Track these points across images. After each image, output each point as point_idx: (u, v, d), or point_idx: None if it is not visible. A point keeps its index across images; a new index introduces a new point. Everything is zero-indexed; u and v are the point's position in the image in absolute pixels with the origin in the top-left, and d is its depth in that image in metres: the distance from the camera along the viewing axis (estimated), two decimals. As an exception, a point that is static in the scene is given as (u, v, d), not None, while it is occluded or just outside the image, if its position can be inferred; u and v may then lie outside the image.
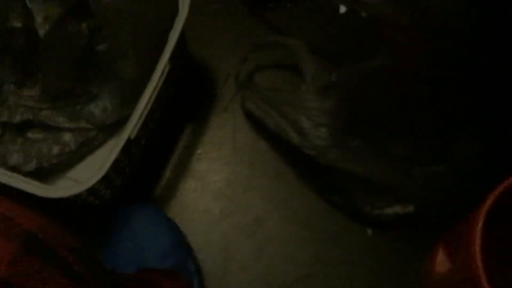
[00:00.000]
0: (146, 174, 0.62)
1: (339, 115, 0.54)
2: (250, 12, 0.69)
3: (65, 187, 0.51)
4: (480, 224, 0.43)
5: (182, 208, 0.60)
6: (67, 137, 0.60)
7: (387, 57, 0.48)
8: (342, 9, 0.57)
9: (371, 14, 0.44)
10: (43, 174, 0.59)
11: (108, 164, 0.51)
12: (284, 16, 0.68)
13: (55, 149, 0.59)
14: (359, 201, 0.57)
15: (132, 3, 0.54)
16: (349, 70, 0.53)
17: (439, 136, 0.55)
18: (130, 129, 0.52)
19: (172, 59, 0.55)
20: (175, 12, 0.56)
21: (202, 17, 0.67)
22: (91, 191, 0.51)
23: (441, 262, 0.52)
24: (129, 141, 0.52)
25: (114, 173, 0.53)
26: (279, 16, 0.68)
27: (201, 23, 0.66)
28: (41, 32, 0.53)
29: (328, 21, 0.62)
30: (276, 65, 0.66)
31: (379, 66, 0.49)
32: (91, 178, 0.50)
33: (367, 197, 0.57)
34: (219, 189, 0.61)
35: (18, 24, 0.55)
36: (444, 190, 0.56)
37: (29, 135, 0.60)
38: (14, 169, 0.57)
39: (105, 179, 0.51)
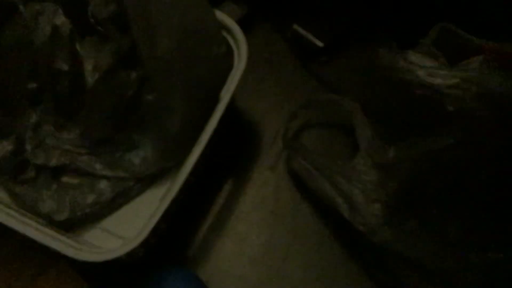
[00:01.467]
0: (181, 232, 0.59)
1: (397, 193, 0.51)
2: (301, 65, 0.67)
3: (106, 250, 0.49)
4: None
5: (216, 272, 0.58)
6: (103, 185, 0.58)
7: (456, 138, 0.45)
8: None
9: (453, 103, 0.42)
10: (74, 223, 0.57)
11: (150, 226, 0.49)
12: (337, 72, 0.66)
13: (90, 198, 0.57)
14: (408, 284, 0.54)
15: (186, 55, 0.52)
16: (411, 146, 0.50)
17: (499, 223, 0.52)
18: (176, 190, 0.49)
19: (222, 117, 0.53)
20: (229, 67, 0.55)
21: (251, 68, 0.65)
22: (126, 251, 0.49)
23: None
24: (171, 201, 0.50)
25: (152, 233, 0.51)
26: (332, 72, 0.66)
27: (249, 74, 0.64)
28: (90, 80, 0.51)
29: (385, 85, 0.60)
30: (326, 124, 0.64)
31: (447, 146, 0.46)
32: (132, 240, 0.48)
33: (418, 281, 0.54)
34: (257, 254, 0.58)
35: (64, 67, 0.54)
36: (501, 279, 0.53)
37: (64, 180, 0.58)
38: (44, 216, 0.55)
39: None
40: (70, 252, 0.49)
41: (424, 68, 0.42)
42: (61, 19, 0.52)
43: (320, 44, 0.66)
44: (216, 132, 0.54)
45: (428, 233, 0.51)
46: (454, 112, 0.42)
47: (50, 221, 0.55)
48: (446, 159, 0.47)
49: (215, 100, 0.54)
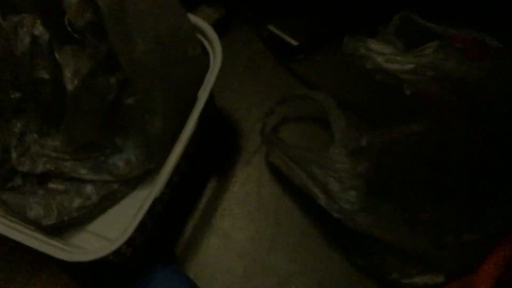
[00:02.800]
0: (168, 230, 0.62)
1: (370, 179, 0.54)
2: (279, 63, 0.70)
3: (93, 250, 0.51)
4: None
5: (204, 267, 0.60)
6: (88, 189, 0.60)
7: (424, 124, 0.48)
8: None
9: (410, 88, 0.44)
10: (62, 227, 0.59)
11: (134, 224, 0.51)
12: (313, 69, 0.69)
13: (76, 202, 0.59)
14: (387, 268, 0.57)
15: (162, 58, 0.54)
16: (382, 134, 0.52)
17: (472, 204, 0.55)
18: (158, 189, 0.52)
19: (201, 116, 0.55)
20: (205, 68, 0.57)
21: (229, 67, 0.67)
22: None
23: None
24: (154, 200, 0.53)
25: (136, 231, 0.53)
26: (308, 69, 0.69)
27: (227, 73, 0.67)
28: (70, 86, 0.53)
29: (359, 77, 0.63)
30: (303, 118, 0.67)
31: (416, 132, 0.49)
32: (117, 240, 0.50)
33: (396, 264, 0.57)
34: (243, 248, 0.61)
35: (45, 75, 0.56)
36: (477, 260, 0.55)
37: (50, 186, 0.60)
38: (33, 222, 0.57)
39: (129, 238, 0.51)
40: (58, 254, 0.51)
41: (382, 54, 0.45)
42: (39, 30, 0.55)
43: (295, 43, 0.68)
44: (197, 131, 0.57)
45: (403, 217, 0.53)
46: (417, 97, 0.45)
47: (38, 227, 0.58)
48: (416, 144, 0.50)
49: (193, 100, 0.56)
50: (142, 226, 0.53)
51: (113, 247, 0.51)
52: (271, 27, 0.69)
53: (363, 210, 0.53)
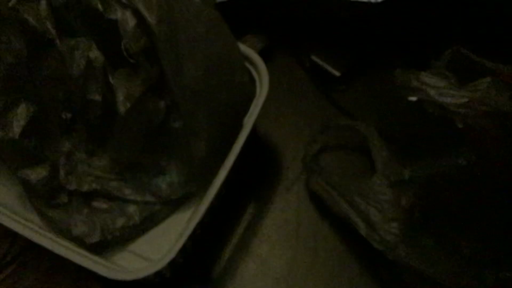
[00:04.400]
0: (206, 253, 0.63)
1: (412, 211, 0.55)
2: (320, 92, 0.71)
3: (134, 270, 0.53)
4: None
5: (240, 292, 0.61)
6: (131, 209, 0.62)
7: (470, 158, 0.49)
8: (412, 98, 0.58)
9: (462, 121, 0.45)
10: (105, 246, 0.61)
11: (178, 246, 0.53)
12: (354, 98, 0.71)
13: (120, 221, 0.61)
14: (425, 301, 0.57)
15: (210, 84, 0.56)
16: (426, 167, 0.54)
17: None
18: (202, 213, 0.53)
19: (245, 142, 0.57)
20: (251, 95, 0.59)
21: (271, 95, 0.69)
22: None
23: None
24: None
25: (178, 253, 0.54)
26: (348, 99, 0.71)
27: (270, 101, 0.68)
28: (122, 109, 0.55)
29: (399, 108, 0.64)
30: (343, 147, 0.68)
31: (460, 166, 0.50)
32: (160, 261, 0.52)
33: (434, 298, 0.56)
34: (280, 274, 0.62)
35: (97, 97, 0.58)
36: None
37: (94, 204, 0.62)
38: (76, 239, 0.59)
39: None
40: (102, 271, 0.53)
41: (436, 88, 0.46)
42: (95, 53, 0.57)
43: (337, 73, 0.70)
44: (239, 156, 0.58)
45: (443, 250, 0.54)
46: (465, 131, 0.46)
47: (82, 244, 0.59)
48: (460, 178, 0.51)
49: (239, 126, 0.58)
50: (183, 249, 0.55)
51: (157, 267, 0.52)
52: (314, 57, 0.71)
53: (404, 242, 0.54)
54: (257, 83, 0.60)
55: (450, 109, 0.44)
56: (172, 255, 0.53)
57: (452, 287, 0.56)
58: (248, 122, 0.58)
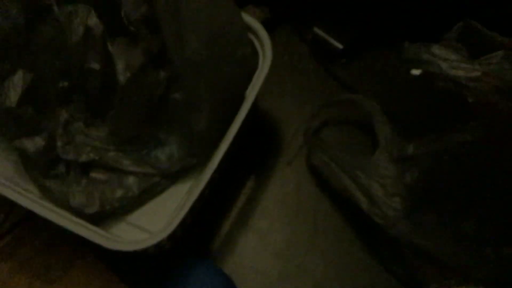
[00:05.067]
0: (206, 226, 0.63)
1: (415, 187, 0.54)
2: (321, 66, 0.70)
3: (135, 241, 0.52)
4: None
5: (239, 266, 0.61)
6: (130, 180, 0.62)
7: (477, 134, 0.48)
8: (415, 71, 0.58)
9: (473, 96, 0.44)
10: (103, 217, 0.60)
11: (178, 219, 0.52)
12: (356, 73, 0.70)
13: (118, 192, 0.61)
14: (425, 278, 0.57)
15: (213, 56, 0.55)
16: (430, 142, 0.53)
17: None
18: (203, 185, 0.53)
19: (247, 116, 0.56)
20: (254, 67, 0.58)
21: (273, 69, 0.68)
22: (154, 243, 0.53)
23: None
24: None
25: (178, 226, 0.54)
26: (350, 73, 0.70)
27: (271, 75, 0.67)
28: (122, 79, 0.55)
29: (402, 83, 0.63)
30: (345, 122, 0.67)
31: (467, 142, 0.49)
32: (161, 232, 0.51)
33: (434, 274, 0.57)
34: (279, 249, 0.62)
35: (96, 66, 0.57)
36: (517, 274, 0.55)
37: (93, 175, 0.62)
38: (74, 210, 0.59)
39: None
40: (102, 241, 0.53)
41: (447, 60, 0.45)
42: (93, 20, 0.56)
43: (340, 46, 0.69)
44: (240, 130, 0.57)
45: (445, 227, 0.54)
46: (474, 106, 0.45)
47: (80, 215, 0.59)
48: (464, 155, 0.51)
49: (241, 99, 0.57)
50: (182, 221, 0.54)
51: (157, 239, 0.52)
52: (316, 30, 0.70)
53: (406, 217, 0.54)
54: (260, 55, 0.59)
55: (462, 83, 0.44)
56: (172, 227, 0.52)
57: (452, 264, 0.56)
58: (250, 95, 0.57)
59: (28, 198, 0.55)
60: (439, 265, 0.56)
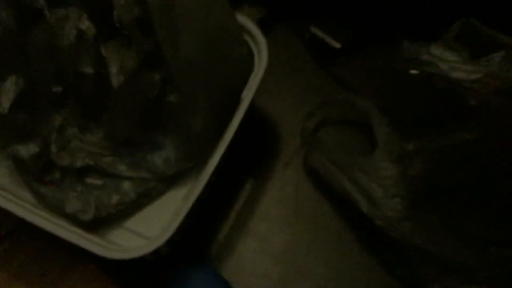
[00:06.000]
0: (204, 230, 0.62)
1: (415, 187, 0.54)
2: (318, 66, 0.70)
3: (131, 248, 0.52)
4: None
5: (239, 270, 0.61)
6: (126, 185, 0.61)
7: (477, 133, 0.48)
8: (414, 71, 0.57)
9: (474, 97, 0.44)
10: (99, 223, 0.59)
11: (176, 224, 0.52)
12: (353, 72, 0.69)
13: (114, 198, 0.60)
14: (426, 279, 0.57)
15: (208, 57, 0.55)
16: (430, 141, 0.52)
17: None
18: (200, 190, 0.52)
19: (243, 117, 0.55)
20: (250, 68, 0.58)
21: (270, 69, 0.67)
22: (151, 249, 0.52)
23: None
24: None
25: (176, 231, 0.53)
26: (348, 72, 0.69)
27: (267, 75, 0.67)
28: (115, 82, 0.54)
29: (400, 83, 0.62)
30: (342, 122, 0.67)
31: (467, 141, 0.49)
32: (158, 239, 0.51)
33: (436, 275, 0.56)
34: (279, 252, 0.61)
35: (89, 70, 0.56)
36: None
37: (88, 181, 0.61)
38: (69, 216, 0.58)
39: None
40: (98, 250, 0.52)
41: (447, 62, 0.44)
42: (85, 24, 0.55)
43: (337, 45, 0.68)
44: (237, 132, 0.57)
45: (447, 227, 0.53)
46: (474, 107, 0.44)
47: (76, 221, 0.58)
48: (465, 154, 0.50)
49: (237, 101, 0.57)
50: (180, 226, 0.54)
51: (154, 245, 0.52)
52: (313, 29, 0.69)
53: (407, 218, 0.53)
54: (256, 56, 0.58)
55: (462, 84, 0.43)
56: (169, 233, 0.52)
57: (454, 264, 0.55)
58: (247, 96, 0.56)
59: (21, 206, 0.55)
60: (441, 265, 0.55)
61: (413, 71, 0.54)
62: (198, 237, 0.62)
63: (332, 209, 0.62)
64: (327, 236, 0.61)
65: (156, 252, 0.55)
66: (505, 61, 0.42)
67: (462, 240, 0.54)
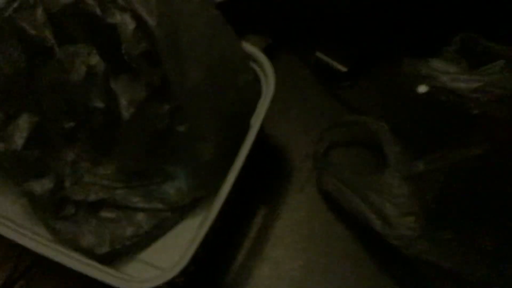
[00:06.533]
0: (219, 258, 0.62)
1: (429, 204, 0.53)
2: (325, 90, 0.70)
3: (146, 279, 0.52)
4: None
5: (255, 296, 0.60)
6: (140, 217, 0.61)
7: (484, 146, 0.48)
8: (422, 89, 0.57)
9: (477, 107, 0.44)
10: (114, 256, 0.59)
11: (189, 254, 0.52)
12: (359, 94, 0.70)
13: (129, 230, 0.60)
14: (445, 296, 0.56)
15: (214, 86, 0.55)
16: (440, 159, 0.52)
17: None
18: (212, 219, 0.52)
19: (253, 144, 0.56)
20: (257, 95, 0.58)
21: (277, 94, 0.68)
22: (167, 280, 0.52)
23: None
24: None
25: (190, 261, 0.53)
26: (354, 94, 0.70)
27: (275, 100, 0.67)
28: (126, 114, 0.55)
29: (405, 101, 0.63)
30: (351, 144, 0.67)
31: (475, 156, 0.48)
32: (173, 269, 0.51)
33: (455, 292, 0.55)
34: (295, 277, 0.61)
35: (100, 104, 0.58)
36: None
37: (102, 214, 0.61)
38: (85, 250, 0.58)
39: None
40: (114, 282, 0.52)
41: (448, 73, 0.45)
42: (95, 59, 0.56)
43: (343, 69, 0.69)
44: (248, 158, 0.57)
45: (462, 244, 0.53)
46: (479, 118, 0.45)
47: (91, 255, 0.58)
48: (476, 169, 0.50)
49: (246, 128, 0.57)
50: (194, 256, 0.54)
51: (169, 276, 0.52)
52: (319, 54, 0.70)
53: (421, 236, 0.53)
54: (263, 82, 0.59)
55: (463, 94, 0.43)
56: (184, 263, 0.52)
57: (471, 280, 0.54)
58: (255, 122, 0.57)
59: (38, 242, 0.55)
60: (457, 281, 0.55)
61: (421, 89, 0.55)
62: (213, 266, 0.62)
63: (346, 231, 0.62)
64: (342, 259, 0.61)
65: (172, 283, 0.55)
66: (504, 69, 0.43)
67: (478, 256, 0.54)
